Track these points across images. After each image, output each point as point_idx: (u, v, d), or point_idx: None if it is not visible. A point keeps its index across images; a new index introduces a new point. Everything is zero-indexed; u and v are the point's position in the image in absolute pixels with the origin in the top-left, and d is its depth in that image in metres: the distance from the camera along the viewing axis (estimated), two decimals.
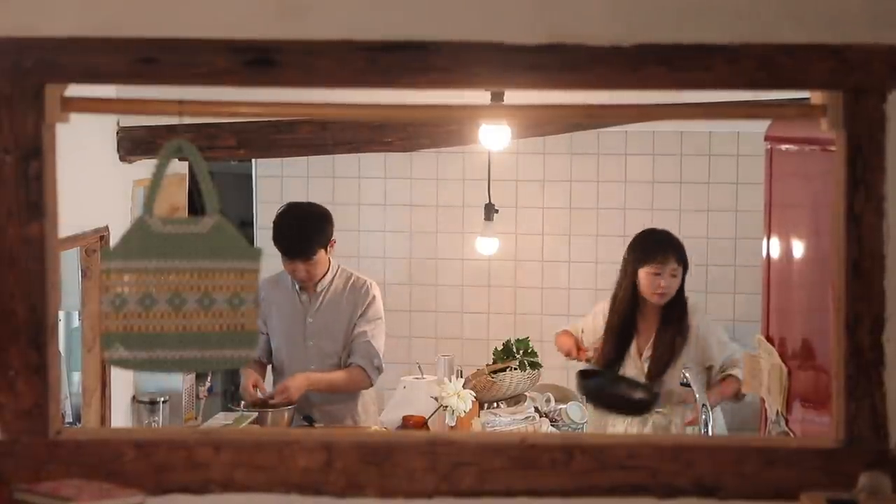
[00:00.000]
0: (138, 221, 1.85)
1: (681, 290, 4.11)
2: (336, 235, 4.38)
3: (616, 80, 1.82)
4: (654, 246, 4.14)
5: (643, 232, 4.29)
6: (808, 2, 1.81)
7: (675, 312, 4.11)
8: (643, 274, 4.09)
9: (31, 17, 1.81)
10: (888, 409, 1.83)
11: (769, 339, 2.75)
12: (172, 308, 1.84)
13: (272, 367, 4.51)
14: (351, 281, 4.40)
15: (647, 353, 4.09)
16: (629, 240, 5.57)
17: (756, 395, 3.02)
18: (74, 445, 1.84)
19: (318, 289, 4.37)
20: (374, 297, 4.39)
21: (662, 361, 4.06)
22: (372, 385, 4.38)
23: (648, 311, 4.14)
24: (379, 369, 4.34)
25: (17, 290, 1.82)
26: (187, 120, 1.86)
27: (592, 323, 4.32)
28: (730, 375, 4.02)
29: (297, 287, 4.39)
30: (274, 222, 4.31)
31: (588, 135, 5.34)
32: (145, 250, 1.84)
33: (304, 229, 4.23)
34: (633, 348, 4.14)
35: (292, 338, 4.39)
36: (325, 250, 4.30)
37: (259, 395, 4.21)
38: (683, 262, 4.12)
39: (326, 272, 4.37)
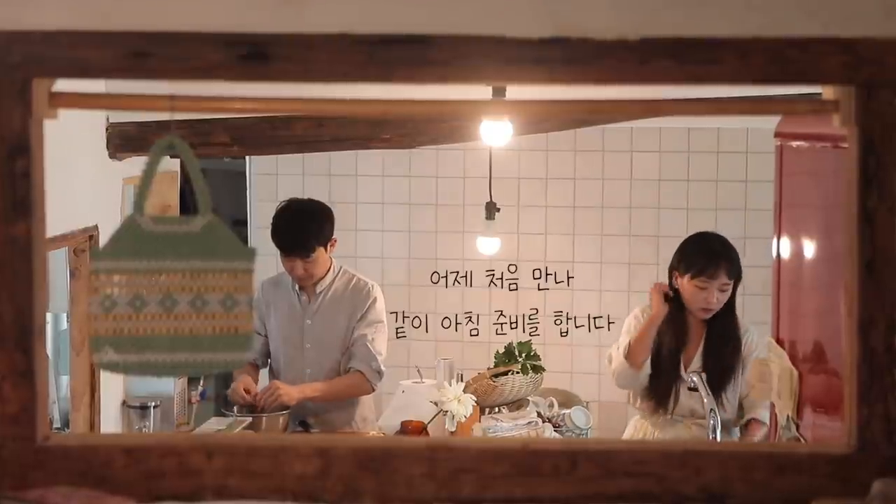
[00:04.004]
0: (128, 220, 1.81)
1: (731, 298, 3.84)
2: (334, 234, 4.35)
3: (622, 74, 1.78)
4: (705, 257, 3.80)
5: (695, 236, 3.97)
6: None
7: (722, 322, 3.83)
8: (688, 284, 3.80)
9: (18, 10, 1.77)
10: None
11: (779, 342, 2.72)
12: (164, 310, 1.81)
13: (269, 369, 4.48)
14: (352, 283, 4.37)
15: (693, 367, 3.84)
16: (634, 239, 5.55)
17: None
18: (62, 451, 1.80)
19: (318, 290, 4.34)
20: (375, 299, 4.36)
21: (714, 381, 3.72)
22: (373, 390, 4.35)
23: (694, 323, 3.88)
24: (379, 373, 4.31)
25: (4, 292, 1.78)
26: (179, 116, 1.82)
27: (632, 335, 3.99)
28: (753, 420, 3.79)
29: (296, 288, 4.36)
30: (273, 218, 4.29)
31: (592, 131, 5.32)
32: (136, 250, 1.80)
33: (303, 225, 4.20)
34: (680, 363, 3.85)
35: (290, 340, 4.36)
36: (325, 249, 4.27)
37: (248, 398, 4.17)
38: (736, 275, 3.81)
39: (327, 273, 4.33)
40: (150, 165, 1.82)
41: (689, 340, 3.91)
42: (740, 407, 3.89)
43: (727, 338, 3.83)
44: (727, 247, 3.85)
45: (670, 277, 3.92)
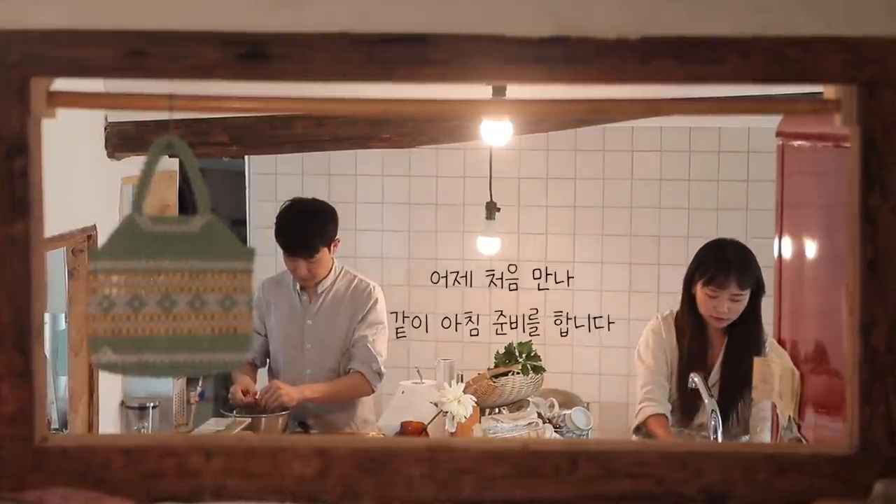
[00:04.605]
0: (127, 220, 1.80)
1: (754, 309, 3.74)
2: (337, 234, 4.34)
3: (623, 73, 1.77)
4: (716, 265, 3.73)
5: (712, 243, 3.88)
6: None
7: (743, 331, 3.75)
8: (700, 291, 3.76)
9: (16, 9, 1.76)
10: None
11: (781, 342, 2.71)
12: (162, 310, 1.79)
13: (269, 369, 4.46)
14: (353, 284, 4.36)
15: (713, 378, 3.78)
16: (635, 239, 5.54)
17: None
18: (61, 452, 1.79)
19: (319, 290, 4.32)
20: (376, 300, 4.35)
21: (732, 391, 3.68)
22: (373, 391, 4.33)
23: (713, 330, 3.82)
24: (379, 374, 4.29)
25: (2, 292, 1.77)
26: (178, 115, 1.81)
27: (653, 353, 3.91)
28: None
29: (297, 288, 4.35)
30: (277, 217, 4.28)
31: (593, 131, 5.31)
32: (134, 250, 1.79)
33: (307, 225, 4.19)
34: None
35: (290, 340, 4.35)
36: (329, 249, 4.26)
37: (248, 399, 4.16)
38: (751, 286, 3.71)
39: (328, 273, 4.33)
40: (148, 165, 1.80)
41: (710, 348, 3.85)
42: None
43: (747, 348, 3.72)
44: (742, 256, 3.77)
45: (688, 283, 3.88)
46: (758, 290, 3.77)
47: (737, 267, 3.71)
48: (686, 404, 3.81)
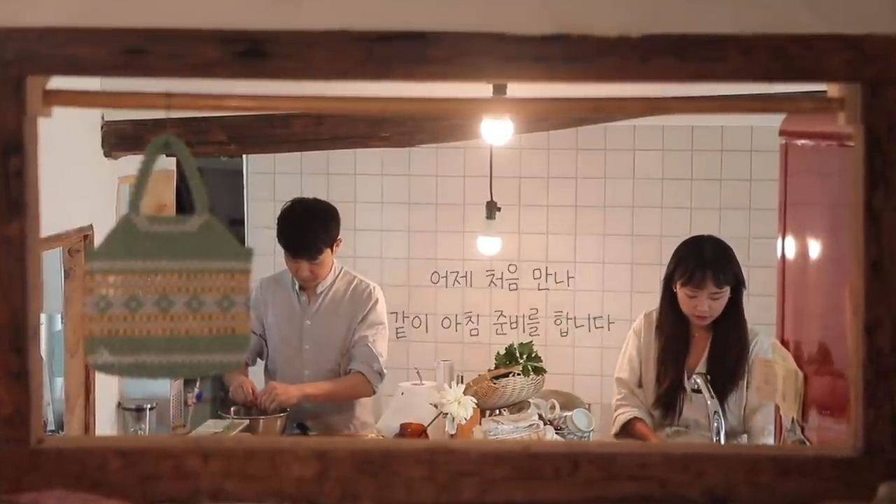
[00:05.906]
0: (124, 220, 1.79)
1: (736, 304, 3.75)
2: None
3: (624, 72, 1.77)
4: (693, 264, 3.72)
5: (689, 241, 3.88)
6: None
7: (726, 327, 3.76)
8: (679, 291, 3.76)
9: (12, 6, 1.75)
10: None
11: (784, 343, 2.69)
12: (160, 310, 1.79)
13: (266, 369, 4.44)
14: (353, 285, 4.35)
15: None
16: (636, 239, 5.52)
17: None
18: (57, 454, 1.78)
19: (318, 290, 4.31)
20: (376, 300, 4.34)
21: (719, 388, 3.65)
22: (374, 392, 4.32)
23: (697, 328, 3.82)
24: (380, 374, 4.28)
25: None
26: (175, 114, 1.80)
27: (629, 358, 3.95)
28: None
29: (297, 287, 4.33)
30: (279, 218, 4.27)
31: (594, 129, 5.29)
32: (131, 250, 1.78)
33: (310, 227, 4.18)
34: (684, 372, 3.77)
35: (288, 341, 4.34)
36: (332, 250, 4.25)
37: (251, 397, 4.14)
38: (730, 283, 3.71)
39: (328, 273, 4.32)
40: (145, 164, 1.80)
41: (694, 346, 3.85)
42: (744, 420, 3.84)
43: (730, 345, 3.76)
44: (719, 254, 3.76)
45: (667, 282, 3.87)
46: (738, 286, 3.77)
47: (713, 266, 3.70)
48: (667, 402, 3.82)
